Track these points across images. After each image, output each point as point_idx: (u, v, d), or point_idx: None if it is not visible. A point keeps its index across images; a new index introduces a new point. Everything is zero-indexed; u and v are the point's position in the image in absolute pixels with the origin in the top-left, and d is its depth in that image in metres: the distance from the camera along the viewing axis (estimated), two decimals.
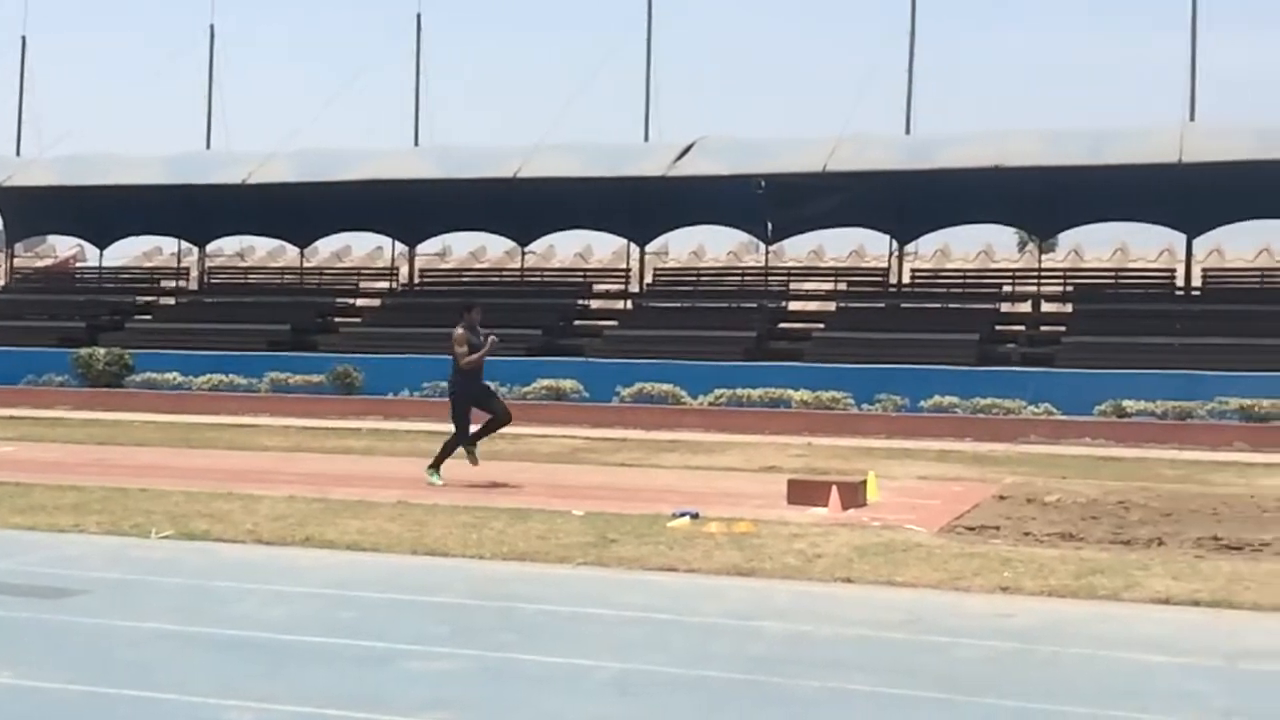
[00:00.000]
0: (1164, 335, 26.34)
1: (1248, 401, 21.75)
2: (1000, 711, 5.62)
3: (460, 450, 13.65)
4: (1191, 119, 28.80)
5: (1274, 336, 25.05)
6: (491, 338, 13.89)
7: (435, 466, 13.57)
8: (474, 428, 13.88)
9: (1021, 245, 40.38)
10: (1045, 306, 30.99)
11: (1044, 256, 34.93)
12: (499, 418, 13.97)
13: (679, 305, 32.19)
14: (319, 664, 6.29)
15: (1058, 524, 11.14)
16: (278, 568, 8.75)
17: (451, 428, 13.92)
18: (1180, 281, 30.75)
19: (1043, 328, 29.50)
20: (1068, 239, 38.73)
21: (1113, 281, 32.06)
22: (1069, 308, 30.15)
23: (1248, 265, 33.94)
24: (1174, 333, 26.54)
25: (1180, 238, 30.95)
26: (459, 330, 13.74)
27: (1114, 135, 26.85)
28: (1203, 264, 32.68)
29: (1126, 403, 22.39)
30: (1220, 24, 64.96)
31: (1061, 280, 32.22)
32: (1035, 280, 32.09)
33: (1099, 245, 37.69)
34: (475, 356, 13.66)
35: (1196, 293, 30.32)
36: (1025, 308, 31.32)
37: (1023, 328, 30.01)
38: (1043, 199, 29.56)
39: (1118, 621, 7.37)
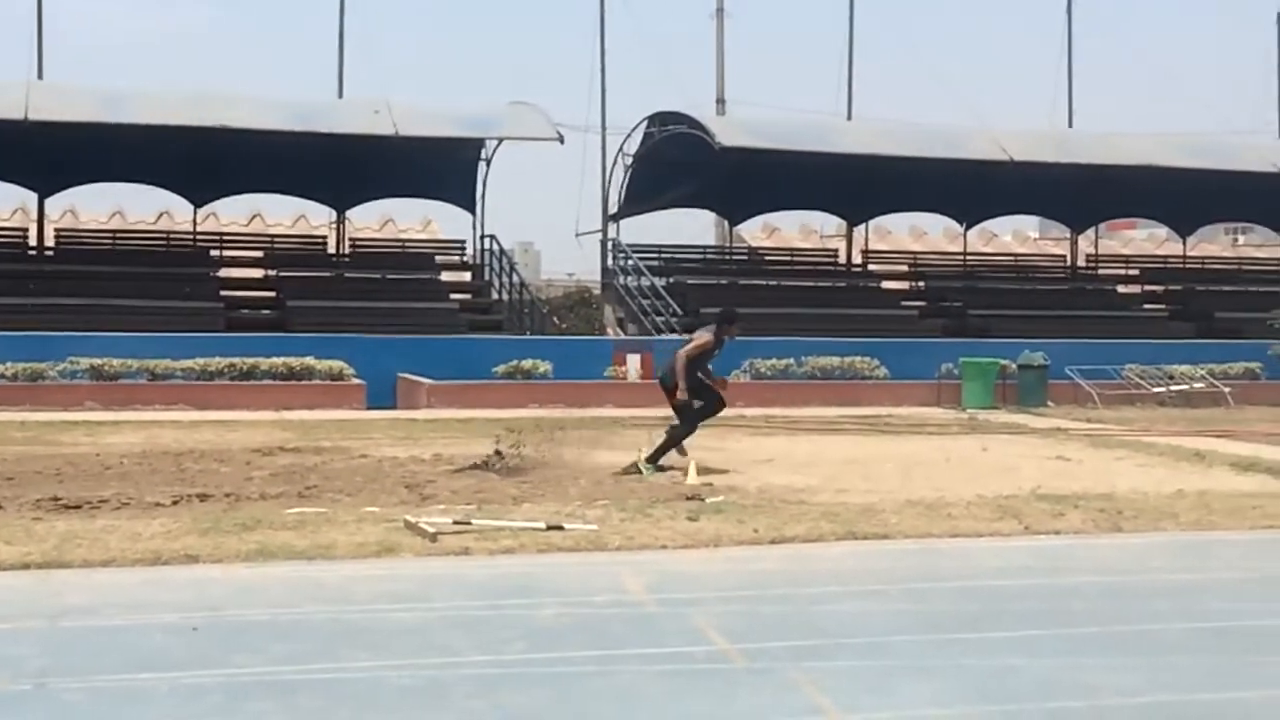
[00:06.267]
0: (18, 296, 25.97)
1: (99, 361, 22.13)
2: None
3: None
4: (40, 77, 28.70)
5: (123, 297, 25.80)
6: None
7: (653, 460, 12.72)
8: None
9: None
10: None
11: None
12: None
13: None
14: None
15: None
16: None
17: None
18: (34, 241, 30.45)
19: None
20: None
21: None
22: None
23: (101, 227, 34.58)
24: (28, 293, 26.29)
25: (33, 197, 30.63)
26: (706, 335, 13.13)
27: None
28: (57, 224, 32.69)
29: None
30: None
31: None
32: None
33: None
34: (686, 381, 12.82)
35: (50, 253, 30.24)
36: None
37: None
38: None
39: None
